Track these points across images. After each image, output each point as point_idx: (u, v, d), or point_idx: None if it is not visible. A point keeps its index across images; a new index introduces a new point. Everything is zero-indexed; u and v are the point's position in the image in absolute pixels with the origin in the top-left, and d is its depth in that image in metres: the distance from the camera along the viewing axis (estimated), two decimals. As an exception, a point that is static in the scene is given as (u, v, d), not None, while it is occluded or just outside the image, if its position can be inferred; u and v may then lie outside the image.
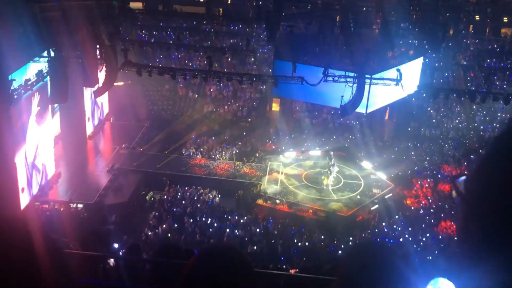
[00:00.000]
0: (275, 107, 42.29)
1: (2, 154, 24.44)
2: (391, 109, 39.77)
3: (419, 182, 33.17)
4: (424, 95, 35.73)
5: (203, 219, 28.26)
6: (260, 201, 30.89)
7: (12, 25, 22.53)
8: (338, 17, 33.93)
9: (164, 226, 27.29)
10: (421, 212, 30.38)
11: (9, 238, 1.99)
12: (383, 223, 28.88)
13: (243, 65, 43.23)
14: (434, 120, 41.16)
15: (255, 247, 25.84)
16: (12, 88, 23.54)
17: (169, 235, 26.62)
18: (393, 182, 33.11)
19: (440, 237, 27.49)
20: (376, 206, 30.62)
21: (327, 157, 33.34)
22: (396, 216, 29.27)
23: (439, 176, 33.83)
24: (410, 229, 28.09)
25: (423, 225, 28.65)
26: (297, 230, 27.95)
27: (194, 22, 42.82)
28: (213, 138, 38.07)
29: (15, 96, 24.22)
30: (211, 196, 31.48)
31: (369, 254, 2.46)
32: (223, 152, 36.38)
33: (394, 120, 40.40)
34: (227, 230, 27.31)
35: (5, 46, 21.54)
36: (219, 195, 31.80)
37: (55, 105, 30.65)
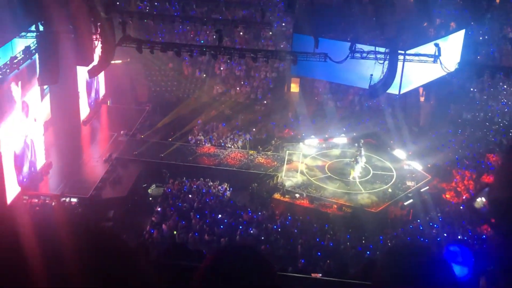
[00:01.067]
0: (294, 88, 42.16)
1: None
2: (428, 90, 39.42)
3: (459, 174, 32.95)
4: (466, 73, 35.35)
5: (213, 215, 28.36)
6: (277, 195, 30.92)
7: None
8: (366, -16, 33.63)
9: (168, 223, 27.44)
10: (462, 207, 30.20)
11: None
12: (418, 220, 28.77)
13: (258, 40, 43.09)
14: (477, 102, 40.76)
15: (271, 247, 25.92)
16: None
17: (174, 232, 26.78)
18: (430, 174, 32.93)
19: (483, 236, 27.34)
20: (410, 200, 30.49)
21: (356, 145, 33.27)
22: (433, 212, 29.14)
23: (482, 166, 33.57)
24: (449, 227, 27.97)
25: (463, 223, 28.49)
26: (320, 228, 27.96)
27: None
28: (223, 123, 38.09)
29: (0, 76, 24.41)
30: (221, 189, 31.58)
31: (412, 258, 2.43)
32: (235, 140, 36.40)
33: (432, 103, 40.07)
34: (240, 227, 27.40)
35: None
36: (231, 188, 31.88)
37: (45, 87, 30.84)
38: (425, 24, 34.59)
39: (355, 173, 32.11)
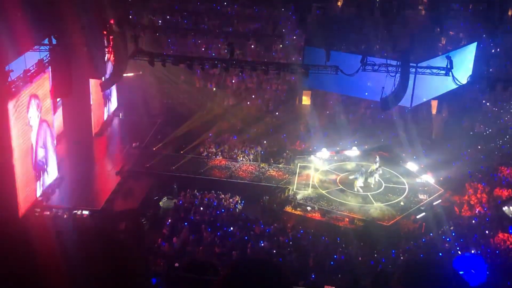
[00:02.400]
0: (306, 100, 42.17)
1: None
2: (440, 102, 39.32)
3: (472, 187, 32.74)
4: (478, 86, 35.23)
5: (224, 228, 28.33)
6: (288, 208, 30.83)
7: (9, 9, 22.84)
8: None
9: (179, 236, 27.44)
10: (474, 221, 29.98)
11: (5, 252, 2.03)
12: (431, 234, 28.58)
13: (269, 53, 43.21)
14: (490, 115, 40.57)
15: (282, 260, 25.82)
16: (9, 80, 23.91)
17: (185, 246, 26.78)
18: (442, 187, 32.72)
19: (497, 251, 27.11)
20: (423, 214, 30.29)
21: (375, 159, 33.24)
22: (446, 226, 28.95)
23: (495, 179, 33.34)
24: (461, 240, 27.77)
25: (476, 236, 28.27)
26: (332, 241, 27.84)
27: (214, 4, 42.96)
28: (235, 136, 38.12)
29: (13, 89, 24.60)
30: (232, 202, 31.55)
31: (429, 272, 2.45)
32: (247, 152, 36.41)
33: (444, 115, 39.93)
34: (251, 241, 27.33)
35: (1, 32, 21.86)
36: (242, 201, 31.84)
37: (58, 99, 31.07)
38: (437, 37, 34.55)
39: (358, 184, 32.05)
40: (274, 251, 26.72)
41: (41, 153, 28.71)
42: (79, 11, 24.70)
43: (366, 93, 33.28)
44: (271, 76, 39.45)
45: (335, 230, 29.04)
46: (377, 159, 33.40)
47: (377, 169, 32.62)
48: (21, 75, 25.44)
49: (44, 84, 28.20)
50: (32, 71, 26.35)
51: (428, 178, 33.42)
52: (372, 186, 32.21)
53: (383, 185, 32.61)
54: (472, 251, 26.92)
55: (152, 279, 23.54)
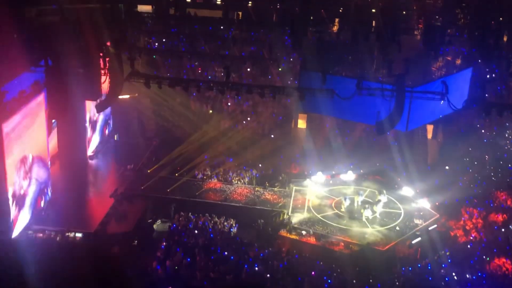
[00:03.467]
0: (301, 124, 42.24)
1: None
2: (435, 127, 39.41)
3: (468, 212, 32.71)
4: (474, 111, 35.33)
5: (218, 252, 28.16)
6: (283, 232, 30.70)
7: (5, 31, 22.93)
8: (373, 22, 33.92)
9: (173, 259, 27.26)
10: (470, 246, 29.89)
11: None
12: (427, 259, 28.47)
13: (265, 76, 43.37)
14: (485, 140, 40.68)
15: (277, 285, 25.63)
16: (5, 100, 23.92)
17: (176, 268, 26.59)
18: (438, 212, 32.70)
19: (493, 277, 26.98)
20: (418, 239, 30.21)
21: (380, 193, 33.26)
22: (442, 251, 28.85)
23: (491, 205, 33.31)
24: (457, 266, 27.64)
25: (472, 262, 28.16)
26: (326, 266, 27.68)
27: (210, 28, 43.18)
28: (230, 159, 38.10)
29: (8, 110, 24.60)
30: (227, 225, 31.42)
31: None
32: (242, 175, 36.36)
33: (439, 140, 40.00)
34: (246, 265, 27.17)
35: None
36: (237, 225, 31.71)
37: (53, 120, 31.04)
38: (433, 65, 34.78)
39: (365, 213, 31.99)
40: (269, 275, 26.54)
41: (32, 173, 28.63)
42: (75, 33, 24.78)
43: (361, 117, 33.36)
44: (267, 99, 39.55)
45: (330, 254, 28.87)
46: (384, 193, 33.48)
47: (376, 203, 32.66)
48: (16, 96, 25.46)
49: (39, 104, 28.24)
50: (27, 92, 26.39)
51: (424, 203, 33.41)
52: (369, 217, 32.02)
53: (379, 209, 32.54)
54: (468, 276, 26.81)
55: None
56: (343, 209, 32.47)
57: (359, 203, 32.58)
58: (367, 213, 31.71)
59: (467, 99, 31.60)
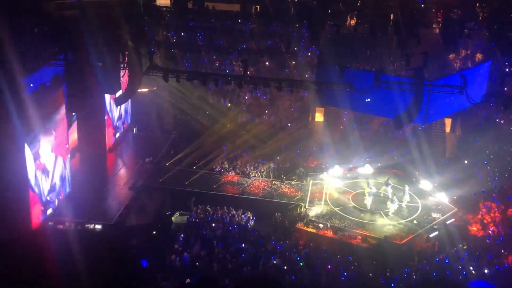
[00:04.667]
0: (319, 117, 42.15)
1: (13, 166, 25.07)
2: (454, 120, 39.12)
3: (486, 206, 32.47)
4: (492, 104, 35.05)
5: (235, 244, 28.24)
6: (300, 225, 30.70)
7: (26, 24, 23.11)
8: (392, 15, 33.71)
9: (191, 251, 27.39)
10: (488, 240, 29.69)
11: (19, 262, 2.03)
12: (444, 253, 28.33)
13: (283, 70, 43.31)
14: (504, 134, 40.28)
15: (294, 278, 25.67)
16: (25, 94, 24.10)
17: (196, 264, 26.72)
18: (456, 206, 32.49)
19: (510, 270, 26.78)
20: (436, 233, 30.05)
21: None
22: (459, 245, 28.68)
23: (509, 199, 33.02)
24: (475, 260, 27.48)
25: (490, 256, 27.98)
26: (343, 259, 27.65)
27: (228, 22, 43.15)
28: (247, 152, 38.13)
29: (29, 104, 24.78)
30: (244, 218, 31.49)
31: None
32: (259, 168, 36.40)
33: (457, 134, 39.70)
34: (263, 257, 27.22)
35: (18, 47, 22.10)
36: (254, 217, 31.77)
37: (73, 114, 31.27)
38: (450, 56, 34.46)
39: (369, 201, 31.94)
40: (286, 267, 26.58)
41: (54, 166, 28.90)
42: (94, 27, 24.91)
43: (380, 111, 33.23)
44: (284, 93, 39.51)
45: (347, 248, 28.83)
46: (388, 180, 33.20)
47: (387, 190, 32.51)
48: (37, 89, 25.67)
49: (59, 98, 28.47)
50: (48, 86, 26.58)
51: (442, 197, 33.20)
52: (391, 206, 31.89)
53: (396, 203, 32.40)
54: (486, 271, 26.64)
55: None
56: (367, 205, 32.16)
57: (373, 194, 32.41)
58: (393, 206, 31.55)
59: (485, 93, 31.39)
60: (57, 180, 29.30)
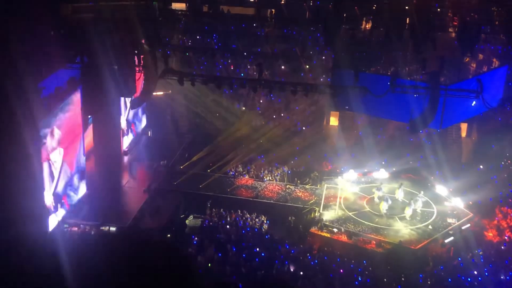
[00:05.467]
0: (333, 121, 42.04)
1: (28, 171, 25.19)
2: (470, 125, 38.84)
3: (502, 212, 32.20)
4: (509, 109, 34.78)
5: (249, 248, 28.21)
6: (314, 230, 30.61)
7: (42, 27, 23.27)
8: (407, 19, 33.57)
9: (205, 254, 27.39)
10: (503, 246, 29.42)
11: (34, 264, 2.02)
12: (459, 259, 28.10)
13: (297, 74, 43.24)
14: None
15: (308, 282, 25.58)
16: (42, 96, 24.28)
17: (209, 265, 26.70)
18: (471, 211, 32.25)
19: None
20: (451, 238, 29.84)
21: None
22: (475, 251, 28.44)
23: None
24: (491, 266, 27.24)
25: (506, 262, 27.72)
26: (358, 264, 27.52)
27: (243, 25, 43.21)
28: (262, 156, 38.10)
29: (45, 106, 24.97)
30: (258, 222, 31.45)
31: None
32: (273, 172, 36.35)
33: (473, 138, 39.40)
34: (276, 261, 27.15)
35: (34, 50, 22.26)
36: (268, 221, 31.72)
37: (88, 116, 31.42)
38: (467, 60, 34.21)
39: (384, 207, 31.77)
40: (300, 272, 26.49)
41: (68, 168, 29.04)
42: (110, 31, 25.05)
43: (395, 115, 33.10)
44: (299, 97, 39.42)
45: (361, 253, 28.70)
46: (401, 185, 33.18)
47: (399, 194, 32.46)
48: (53, 92, 25.84)
49: (75, 100, 28.62)
50: (64, 89, 26.76)
51: (457, 202, 32.97)
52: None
53: (411, 208, 32.22)
54: (502, 277, 26.41)
55: None
56: (382, 209, 32.02)
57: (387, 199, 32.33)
58: (408, 211, 31.40)
59: (502, 97, 31.16)
60: (72, 182, 29.42)
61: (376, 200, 32.70)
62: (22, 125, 23.13)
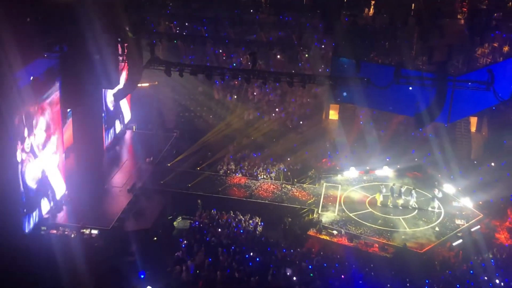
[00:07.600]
0: (333, 115, 42.11)
1: (4, 168, 25.12)
2: (480, 119, 38.96)
3: (515, 212, 32.43)
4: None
5: (242, 252, 28.23)
6: (312, 232, 30.68)
7: (17, 13, 23.13)
8: (413, 4, 33.62)
9: (195, 259, 27.39)
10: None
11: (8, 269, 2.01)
12: (470, 263, 28.22)
13: (294, 64, 43.27)
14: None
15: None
16: (17, 88, 24.16)
17: (197, 271, 26.74)
18: (481, 212, 32.38)
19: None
20: (460, 241, 29.96)
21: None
22: (485, 254, 28.56)
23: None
24: (502, 271, 27.36)
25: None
26: (360, 269, 27.60)
27: (236, 10, 43.14)
28: (255, 152, 38.13)
29: (20, 98, 24.86)
30: (252, 223, 31.47)
31: None
32: (268, 170, 36.37)
33: (484, 134, 39.53)
34: (272, 266, 27.19)
35: (10, 39, 22.14)
36: (262, 223, 31.74)
37: (68, 110, 31.35)
38: (478, 51, 34.27)
39: (380, 198, 32.07)
40: (296, 278, 26.52)
41: (46, 167, 28.98)
42: (91, 17, 24.95)
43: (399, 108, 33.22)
44: (296, 89, 39.48)
45: (363, 256, 28.79)
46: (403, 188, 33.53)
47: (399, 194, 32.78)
48: (30, 83, 25.72)
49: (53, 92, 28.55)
50: (41, 79, 26.63)
51: (467, 202, 33.09)
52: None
53: (417, 209, 32.33)
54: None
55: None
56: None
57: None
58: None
59: (514, 89, 31.24)
60: (50, 181, 29.36)
61: (390, 205, 32.79)
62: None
